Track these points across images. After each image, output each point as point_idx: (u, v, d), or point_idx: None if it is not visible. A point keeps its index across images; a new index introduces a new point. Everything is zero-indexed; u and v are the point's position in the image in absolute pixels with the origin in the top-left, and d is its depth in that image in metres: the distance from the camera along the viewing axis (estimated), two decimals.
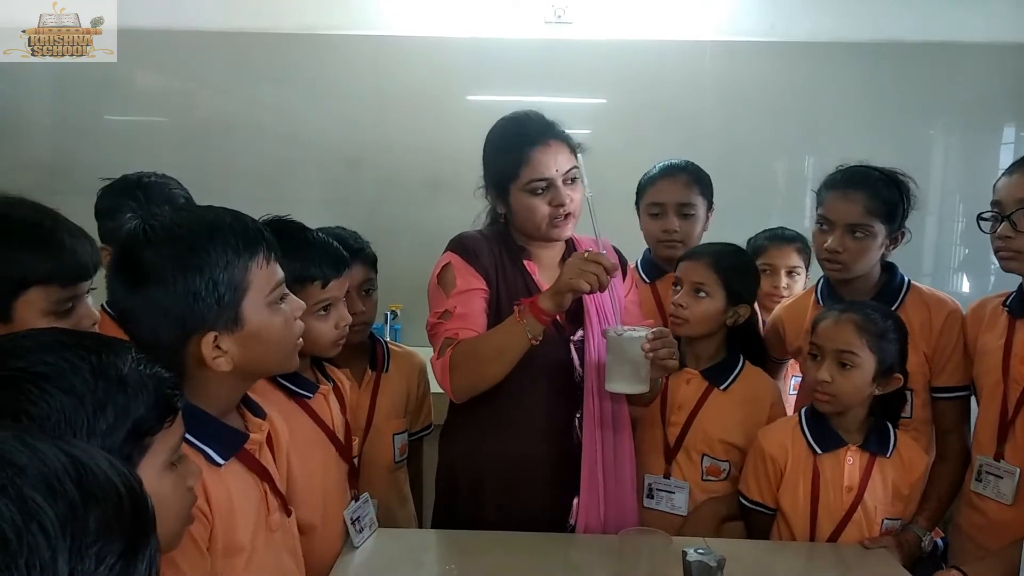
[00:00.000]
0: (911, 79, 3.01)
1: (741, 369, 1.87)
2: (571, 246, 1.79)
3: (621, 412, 1.72)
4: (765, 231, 2.43)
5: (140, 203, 1.69)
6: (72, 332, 0.88)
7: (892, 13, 2.98)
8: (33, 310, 1.13)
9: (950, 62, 2.99)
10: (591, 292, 1.51)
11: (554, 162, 1.65)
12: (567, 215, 1.67)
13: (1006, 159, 3.06)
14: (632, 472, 1.75)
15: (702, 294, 1.81)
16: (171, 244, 1.05)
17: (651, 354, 1.52)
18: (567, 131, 1.72)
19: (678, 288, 1.84)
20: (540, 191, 1.65)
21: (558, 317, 1.63)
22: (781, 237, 2.39)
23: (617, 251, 1.84)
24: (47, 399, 0.75)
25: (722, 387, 1.84)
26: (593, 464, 1.66)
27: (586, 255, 1.52)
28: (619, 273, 1.77)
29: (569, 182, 1.66)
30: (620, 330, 1.56)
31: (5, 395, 0.75)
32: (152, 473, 0.84)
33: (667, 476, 1.82)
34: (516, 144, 1.67)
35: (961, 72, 3.00)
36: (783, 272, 2.33)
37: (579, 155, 1.67)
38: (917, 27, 2.98)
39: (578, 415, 1.68)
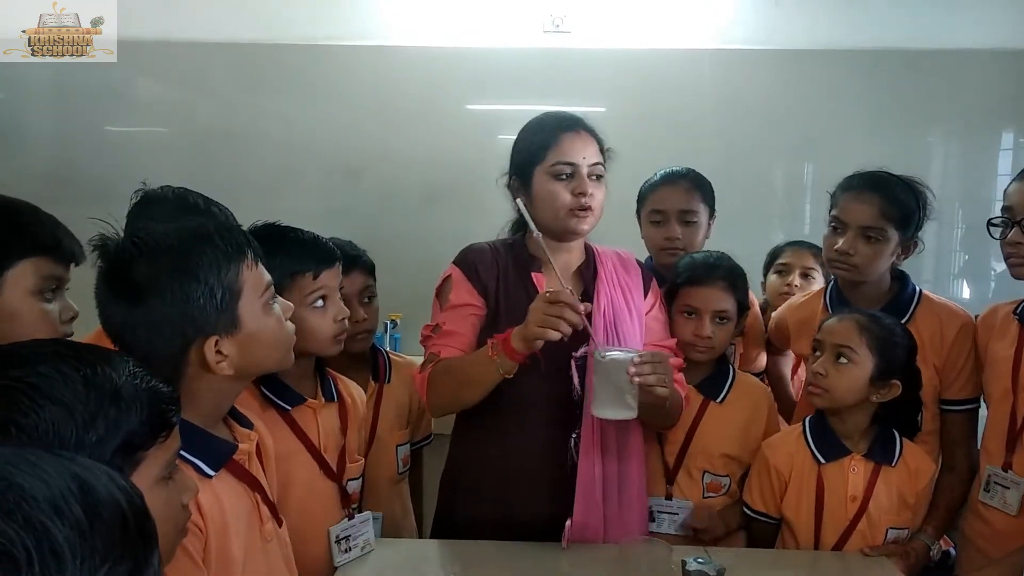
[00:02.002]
0: (910, 86, 3.01)
1: (733, 378, 1.87)
2: (591, 257, 1.73)
3: (628, 436, 1.65)
4: (787, 242, 2.50)
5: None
6: (71, 343, 0.88)
7: (890, 20, 2.98)
8: (20, 287, 1.15)
9: (948, 69, 3.00)
10: (561, 338, 1.42)
11: (582, 150, 1.63)
12: (588, 208, 1.61)
13: (1005, 165, 3.06)
14: (641, 498, 1.69)
15: (724, 320, 1.80)
16: (165, 254, 1.06)
17: (637, 379, 1.44)
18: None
19: (692, 315, 1.80)
20: (564, 176, 1.62)
21: None
22: (799, 242, 2.47)
23: (640, 264, 1.79)
24: (37, 410, 0.75)
25: (718, 399, 1.82)
26: (589, 487, 1.60)
27: (548, 295, 1.45)
28: (639, 290, 1.72)
29: (594, 178, 1.63)
30: (605, 351, 1.49)
31: None
32: (144, 487, 0.82)
33: (669, 497, 1.79)
34: (548, 128, 1.66)
35: (959, 78, 3.00)
36: (797, 272, 2.36)
37: (519, 200, 1.56)
38: (915, 34, 2.98)
39: (574, 435, 1.61)
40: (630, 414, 1.50)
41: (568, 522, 1.58)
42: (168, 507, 0.88)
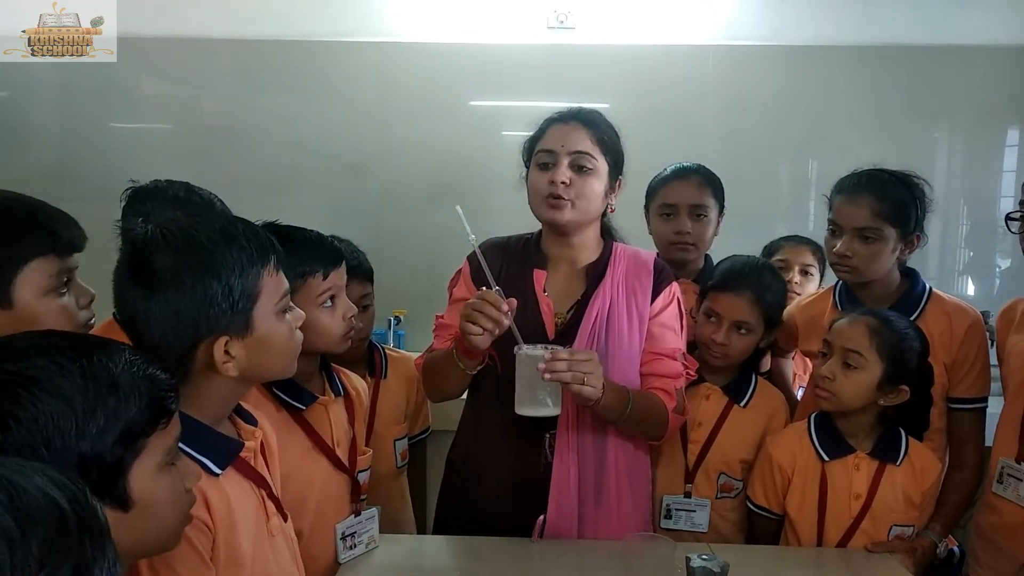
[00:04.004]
0: (914, 82, 3.00)
1: (756, 384, 1.87)
2: (606, 255, 1.68)
3: (605, 439, 1.62)
4: (782, 236, 2.48)
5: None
6: (66, 334, 0.89)
7: (895, 16, 2.98)
8: (32, 290, 1.15)
9: (953, 65, 2.99)
10: (489, 335, 1.43)
11: (563, 138, 1.60)
12: (560, 197, 1.58)
13: (1010, 161, 3.06)
14: (622, 500, 1.64)
15: (744, 331, 1.79)
16: (190, 248, 1.06)
17: (547, 375, 1.41)
18: (620, 142, 1.67)
19: (712, 319, 1.80)
20: (545, 165, 1.61)
21: (547, 330, 1.60)
22: (797, 238, 2.45)
23: (658, 265, 1.71)
24: (36, 403, 0.76)
25: (742, 403, 1.83)
26: (564, 489, 1.59)
27: (476, 294, 1.47)
28: (646, 293, 1.66)
29: (578, 168, 1.59)
30: (522, 348, 1.47)
31: None
32: (146, 474, 0.84)
33: (688, 495, 1.80)
34: (545, 120, 1.66)
35: (964, 75, 2.99)
36: (796, 269, 2.34)
37: (459, 208, 1.49)
38: (920, 30, 2.97)
39: (548, 435, 1.59)
40: (547, 411, 1.48)
41: (541, 518, 1.58)
42: (172, 493, 0.89)
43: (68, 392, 0.78)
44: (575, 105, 1.68)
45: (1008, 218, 1.68)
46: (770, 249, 2.43)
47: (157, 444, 0.86)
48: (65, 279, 1.20)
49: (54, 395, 0.77)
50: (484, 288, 1.48)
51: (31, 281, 1.15)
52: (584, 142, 1.60)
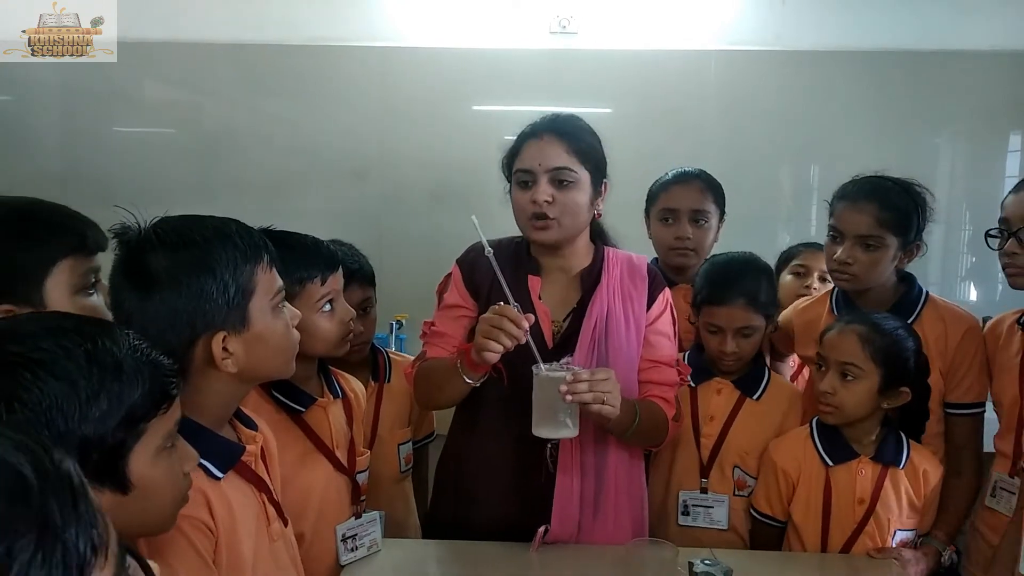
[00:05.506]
0: (917, 87, 3.00)
1: (769, 378, 1.86)
2: (598, 262, 1.66)
3: (607, 450, 1.62)
4: (801, 243, 2.46)
5: None
6: (73, 316, 0.89)
7: (897, 22, 2.98)
8: (63, 289, 1.16)
9: (955, 70, 2.99)
10: (507, 350, 1.40)
11: (539, 156, 1.56)
12: (544, 217, 1.55)
13: (1012, 167, 3.05)
14: (619, 510, 1.64)
15: (749, 334, 1.79)
16: (184, 247, 1.07)
17: (569, 397, 1.39)
18: (600, 146, 1.63)
19: (715, 332, 1.79)
20: (525, 184, 1.57)
21: (545, 338, 1.59)
22: (816, 245, 2.39)
23: (651, 271, 1.70)
24: (40, 385, 0.76)
25: (755, 397, 1.82)
26: (567, 500, 1.58)
27: (492, 309, 1.43)
28: (642, 300, 1.65)
29: (558, 183, 1.55)
30: (541, 368, 1.44)
31: (0, 380, 0.76)
32: (145, 457, 0.85)
33: (704, 491, 1.79)
34: (520, 135, 1.62)
35: (966, 80, 2.99)
36: (816, 275, 2.32)
37: (474, 217, 1.48)
38: (922, 35, 2.97)
39: (549, 445, 1.57)
40: (566, 433, 1.46)
41: (541, 529, 1.57)
42: (170, 475, 0.90)
43: (72, 375, 0.78)
44: (551, 111, 1.63)
45: (988, 235, 1.69)
46: (788, 255, 2.40)
47: (157, 428, 0.86)
48: (93, 279, 1.21)
49: (58, 378, 0.77)
50: (501, 304, 1.45)
51: (61, 281, 1.15)
52: (561, 156, 1.56)
